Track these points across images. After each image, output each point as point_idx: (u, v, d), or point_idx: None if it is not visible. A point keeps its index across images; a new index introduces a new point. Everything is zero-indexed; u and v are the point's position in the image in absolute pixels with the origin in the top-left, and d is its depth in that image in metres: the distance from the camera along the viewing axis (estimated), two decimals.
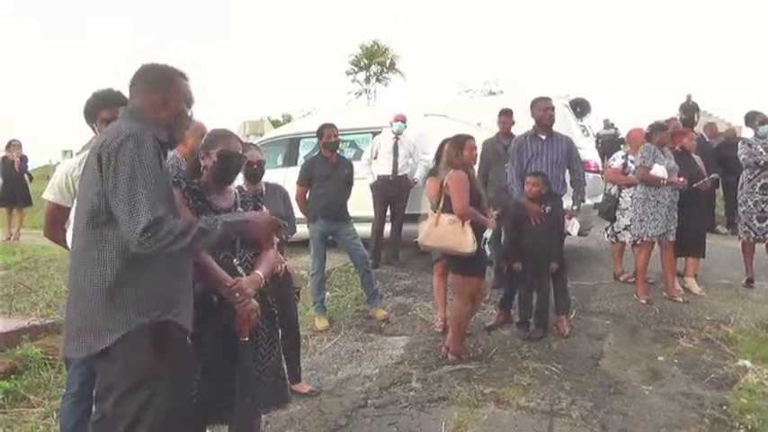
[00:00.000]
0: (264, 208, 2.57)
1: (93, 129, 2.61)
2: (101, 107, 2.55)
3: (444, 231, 3.88)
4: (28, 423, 3.23)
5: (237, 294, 2.20)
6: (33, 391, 3.56)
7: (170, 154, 2.60)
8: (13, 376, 3.64)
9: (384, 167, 6.37)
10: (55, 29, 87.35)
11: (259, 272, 2.34)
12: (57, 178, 2.67)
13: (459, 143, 3.96)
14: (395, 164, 6.34)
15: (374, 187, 6.39)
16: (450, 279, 4.25)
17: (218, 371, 2.27)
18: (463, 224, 3.81)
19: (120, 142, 1.76)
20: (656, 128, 5.21)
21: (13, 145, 9.65)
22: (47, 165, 23.37)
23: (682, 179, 5.01)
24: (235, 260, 2.30)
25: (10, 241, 9.17)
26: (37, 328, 4.25)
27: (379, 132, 6.62)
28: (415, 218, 5.87)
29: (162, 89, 1.96)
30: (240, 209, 2.40)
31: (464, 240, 3.80)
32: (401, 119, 6.41)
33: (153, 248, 1.71)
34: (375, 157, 6.50)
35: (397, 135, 6.40)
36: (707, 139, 8.01)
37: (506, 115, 5.61)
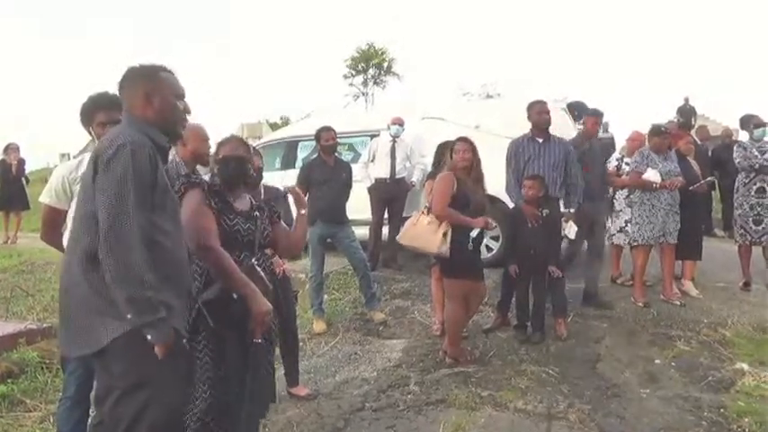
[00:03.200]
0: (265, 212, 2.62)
1: (90, 132, 2.62)
2: (96, 111, 2.55)
3: (418, 231, 3.95)
4: (24, 427, 3.22)
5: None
6: (30, 396, 3.54)
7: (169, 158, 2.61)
8: (9, 380, 3.63)
9: (381, 170, 6.38)
10: (55, 29, 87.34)
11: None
12: (53, 181, 2.66)
13: (449, 146, 4.04)
14: (392, 167, 6.35)
15: (372, 190, 6.39)
16: (444, 281, 4.27)
17: (233, 371, 2.31)
18: (440, 224, 3.83)
19: (116, 149, 1.76)
20: (652, 133, 5.24)
21: (10, 148, 9.64)
22: (44, 168, 23.35)
23: (679, 179, 5.02)
24: (253, 260, 2.36)
25: (7, 245, 9.15)
26: (34, 331, 4.23)
27: (377, 135, 6.64)
28: None
29: (142, 86, 1.94)
30: (256, 213, 2.47)
31: (432, 240, 3.82)
32: (398, 122, 6.41)
33: (114, 256, 1.69)
34: (372, 160, 6.50)
35: (395, 138, 6.41)
36: (698, 142, 8.04)
37: (594, 116, 5.28)
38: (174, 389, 1.85)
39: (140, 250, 1.71)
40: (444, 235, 3.81)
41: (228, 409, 2.31)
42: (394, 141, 6.40)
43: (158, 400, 1.80)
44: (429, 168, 5.71)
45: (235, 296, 2.24)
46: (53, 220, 2.71)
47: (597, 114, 5.26)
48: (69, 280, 1.86)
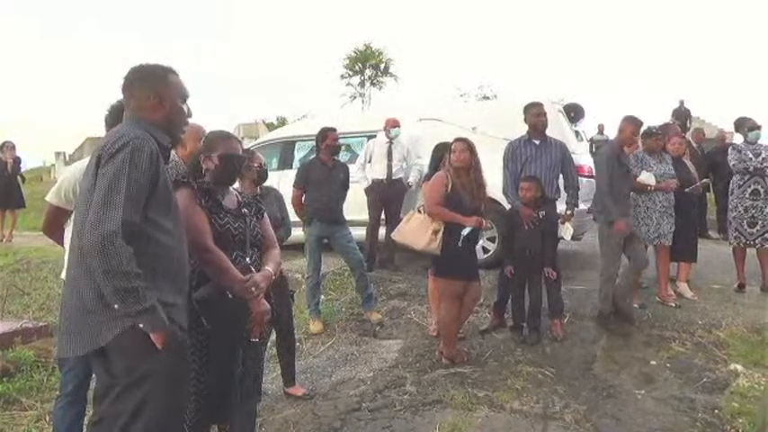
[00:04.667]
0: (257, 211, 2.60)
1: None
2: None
3: (410, 227, 4.01)
4: (20, 426, 3.22)
5: (253, 289, 2.24)
6: (26, 394, 3.55)
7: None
8: (5, 379, 3.64)
9: (378, 171, 6.38)
10: (55, 29, 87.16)
11: (269, 268, 2.40)
12: (64, 183, 2.64)
13: (447, 147, 4.07)
14: (389, 168, 6.34)
15: (369, 191, 6.40)
16: (437, 281, 4.28)
17: (227, 369, 2.30)
18: (432, 222, 3.86)
19: (119, 147, 1.78)
20: (645, 135, 5.26)
21: (6, 147, 9.60)
22: (40, 166, 23.27)
23: (674, 181, 5.05)
24: (247, 259, 2.35)
25: (3, 243, 9.12)
26: (29, 330, 4.24)
27: (374, 136, 6.64)
28: None
29: (153, 88, 1.96)
30: (245, 210, 2.45)
31: (421, 237, 3.88)
32: (397, 124, 6.42)
33: (97, 248, 1.69)
34: (369, 161, 6.50)
35: (392, 139, 6.41)
36: (694, 145, 8.09)
37: (634, 124, 4.76)
38: (173, 385, 1.86)
39: (123, 243, 1.70)
40: (435, 233, 3.85)
41: (207, 412, 2.29)
42: (390, 142, 6.41)
43: (158, 396, 1.80)
44: (426, 170, 5.72)
45: (230, 295, 2.24)
46: (57, 219, 2.72)
47: (636, 123, 4.75)
48: (70, 279, 1.87)
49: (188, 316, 2.11)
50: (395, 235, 4.24)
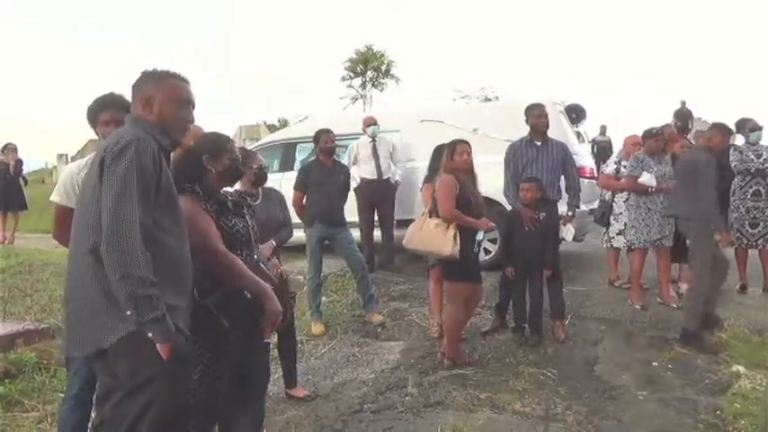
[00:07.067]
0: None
1: (96, 132, 2.64)
2: (101, 110, 2.57)
3: (427, 234, 3.92)
4: (22, 428, 3.22)
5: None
6: (28, 396, 3.54)
7: None
8: (7, 380, 3.63)
9: (367, 172, 6.30)
10: (55, 29, 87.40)
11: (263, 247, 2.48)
12: (62, 180, 2.69)
13: (452, 148, 4.01)
14: (378, 168, 6.29)
15: (358, 191, 6.29)
16: (445, 284, 4.26)
17: (239, 369, 2.33)
18: (448, 227, 3.83)
19: (121, 147, 1.79)
20: (646, 136, 5.26)
21: (8, 148, 9.63)
22: (42, 168, 23.35)
23: (674, 182, 5.03)
24: (255, 256, 2.38)
25: (5, 245, 9.14)
26: (31, 332, 4.23)
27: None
28: (409, 223, 5.87)
29: (148, 90, 1.98)
30: (243, 209, 2.46)
31: (444, 243, 3.81)
32: (372, 122, 6.35)
33: (116, 251, 1.71)
34: (354, 163, 6.41)
35: (374, 138, 6.36)
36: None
37: (722, 133, 4.61)
38: (176, 388, 1.86)
39: (142, 248, 1.72)
40: (454, 237, 3.82)
41: (213, 413, 2.30)
42: (374, 141, 6.35)
43: (161, 400, 1.81)
44: (425, 171, 5.70)
45: (248, 295, 2.24)
46: (64, 220, 2.71)
47: (726, 131, 4.60)
48: (74, 280, 1.87)
49: (191, 317, 2.12)
50: (408, 243, 4.08)
